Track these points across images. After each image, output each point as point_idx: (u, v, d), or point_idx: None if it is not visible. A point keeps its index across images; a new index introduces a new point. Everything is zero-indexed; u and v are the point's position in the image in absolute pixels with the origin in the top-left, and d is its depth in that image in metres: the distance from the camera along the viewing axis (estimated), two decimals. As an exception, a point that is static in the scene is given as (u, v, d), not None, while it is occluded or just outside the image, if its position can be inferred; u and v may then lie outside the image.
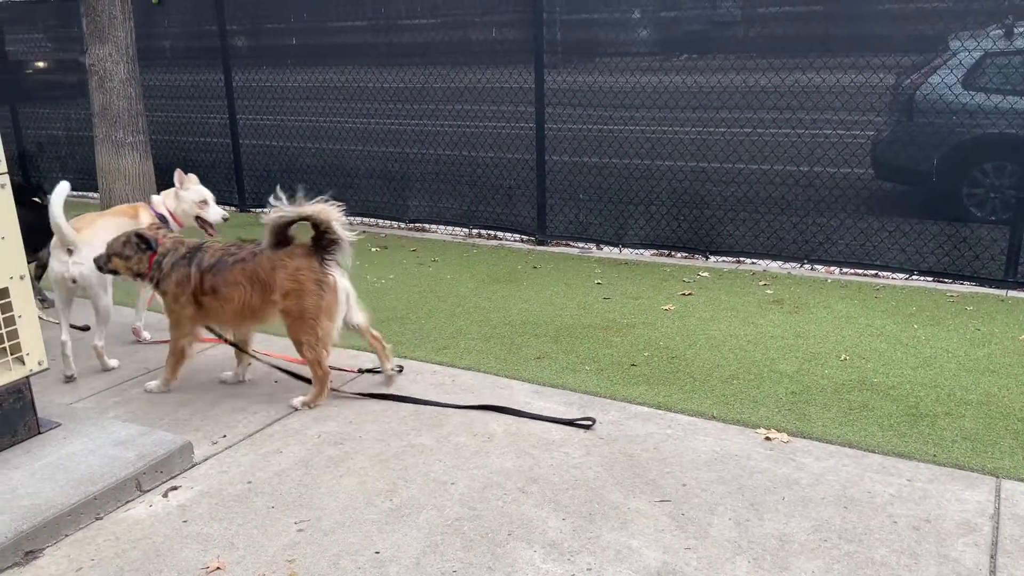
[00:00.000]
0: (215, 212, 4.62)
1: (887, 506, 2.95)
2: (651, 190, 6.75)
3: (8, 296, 3.15)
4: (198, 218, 4.62)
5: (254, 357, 4.14)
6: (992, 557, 2.65)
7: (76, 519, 2.88)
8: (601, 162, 6.90)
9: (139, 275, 3.91)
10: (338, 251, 3.73)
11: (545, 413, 3.74)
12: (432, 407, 3.82)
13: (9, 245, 3.15)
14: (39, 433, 3.31)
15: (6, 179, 3.12)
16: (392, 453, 3.41)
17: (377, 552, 2.76)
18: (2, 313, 3.15)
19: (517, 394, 3.97)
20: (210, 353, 4.54)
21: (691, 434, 3.53)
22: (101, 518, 2.96)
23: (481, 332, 4.85)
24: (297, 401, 3.85)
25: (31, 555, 2.73)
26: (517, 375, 4.18)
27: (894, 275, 5.94)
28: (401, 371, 4.25)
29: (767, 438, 3.47)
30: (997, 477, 3.13)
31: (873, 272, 6.01)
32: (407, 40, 7.78)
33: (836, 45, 5.99)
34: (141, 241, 3.87)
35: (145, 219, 4.44)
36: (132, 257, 3.87)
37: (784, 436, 3.47)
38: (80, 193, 9.90)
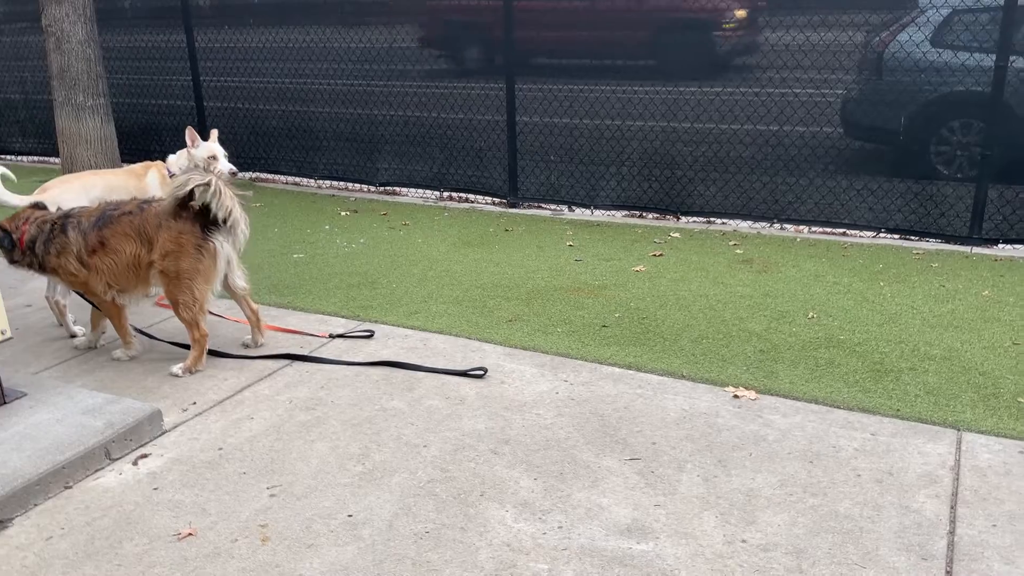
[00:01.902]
0: (224, 166, 4.57)
1: (851, 460, 3.01)
2: (622, 151, 6.73)
3: (-33, 265, 3.09)
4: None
5: (141, 332, 4.23)
6: (952, 508, 2.72)
7: (45, 488, 2.86)
8: (571, 123, 6.86)
9: (26, 265, 3.82)
10: (224, 230, 3.71)
11: (514, 376, 3.76)
12: (403, 370, 3.82)
13: (-34, 213, 3.07)
14: (4, 403, 3.27)
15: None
16: (364, 417, 3.42)
17: (350, 515, 2.77)
18: (-39, 282, 3.08)
19: (489, 356, 3.98)
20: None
21: (661, 393, 3.56)
22: (71, 487, 2.94)
23: (453, 296, 4.84)
24: (177, 368, 3.83)
25: (0, 525, 2.71)
26: (489, 338, 4.19)
27: (862, 233, 6.00)
28: (372, 335, 4.24)
29: (735, 396, 3.51)
30: (958, 430, 3.20)
31: (841, 231, 6.07)
32: (373, -1, 7.64)
33: (806, 2, 5.98)
34: (3, 234, 3.79)
35: (152, 179, 4.52)
36: (8, 251, 3.80)
37: (752, 393, 3.52)
38: (42, 158, 9.69)
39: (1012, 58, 5.35)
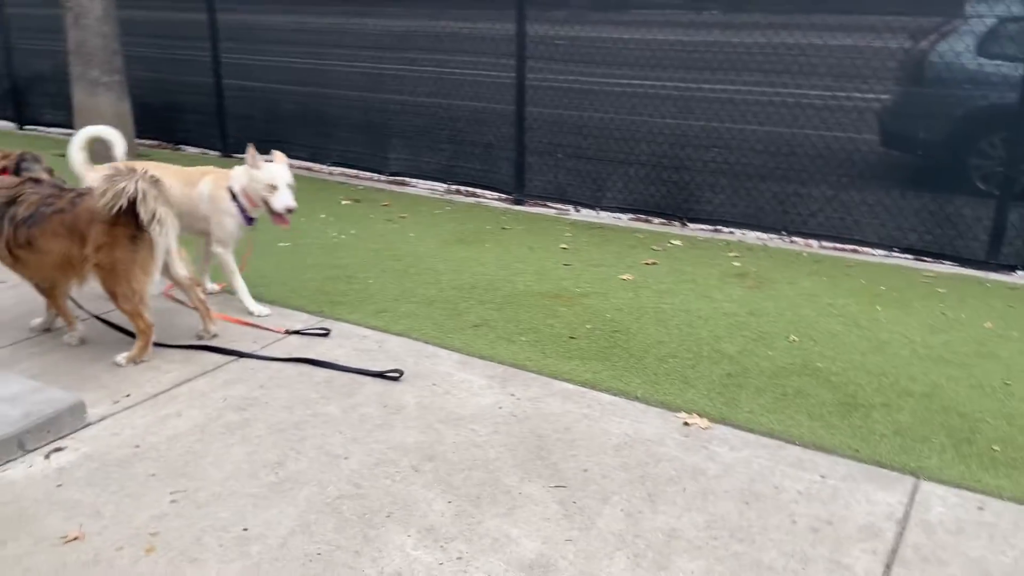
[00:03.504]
0: (281, 199, 4.03)
1: (791, 504, 2.79)
2: (631, 152, 6.50)
3: None
4: (266, 203, 4.12)
5: (79, 306, 4.15)
6: (887, 566, 2.49)
7: (-53, 478, 2.80)
8: (581, 119, 6.64)
9: None
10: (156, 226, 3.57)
11: (461, 386, 3.60)
12: (340, 371, 3.70)
13: None
14: (-71, 386, 3.23)
15: None
16: (293, 422, 3.30)
17: (245, 529, 2.65)
18: None
19: (442, 363, 3.83)
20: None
21: (609, 415, 3.37)
22: (-25, 478, 2.88)
23: (427, 295, 4.70)
24: (121, 358, 3.74)
25: None
26: (448, 344, 4.04)
27: (873, 251, 5.69)
28: (328, 334, 4.12)
29: (686, 423, 3.30)
30: (917, 477, 2.95)
31: (852, 247, 5.76)
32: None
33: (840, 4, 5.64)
34: None
35: (204, 190, 4.20)
36: None
37: (704, 422, 3.31)
38: (70, 131, 9.80)
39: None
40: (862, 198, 5.69)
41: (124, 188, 3.43)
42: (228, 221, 4.23)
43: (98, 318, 4.16)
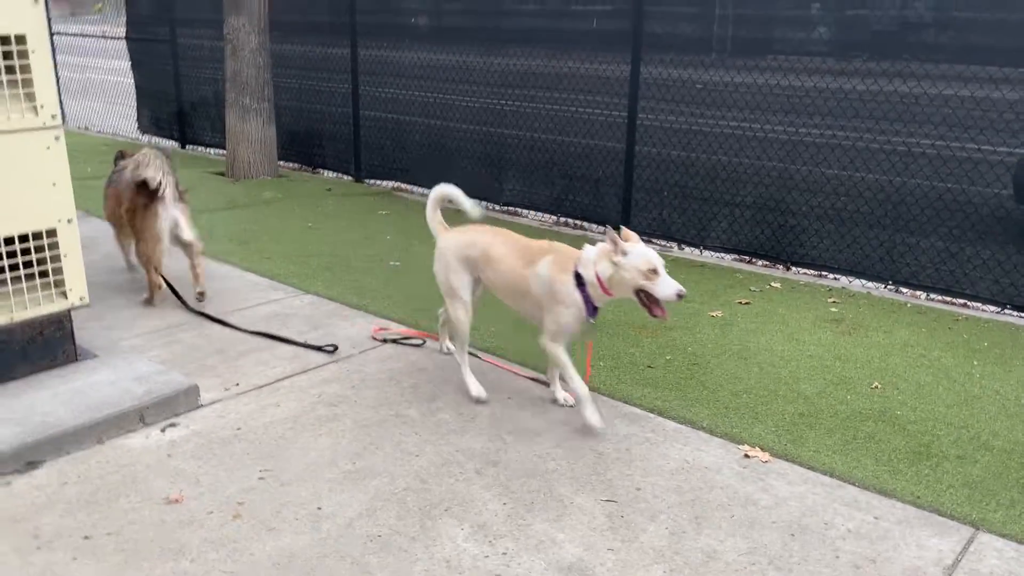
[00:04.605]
0: (667, 285, 3.28)
1: (838, 540, 2.83)
2: (736, 192, 6.55)
3: (56, 236, 3.57)
4: (640, 292, 3.35)
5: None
6: (924, 609, 2.50)
7: (79, 440, 3.25)
8: (688, 159, 6.75)
9: None
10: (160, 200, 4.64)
11: (537, 401, 3.80)
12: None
13: (60, 191, 3.55)
14: (76, 361, 3.73)
15: (61, 132, 3.53)
16: (377, 420, 3.59)
17: (319, 508, 2.94)
18: (50, 251, 3.56)
19: (521, 381, 4.05)
20: (263, 309, 4.90)
21: (670, 441, 3.49)
22: (103, 442, 3.32)
23: (518, 318, 4.92)
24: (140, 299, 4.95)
25: (31, 465, 3.11)
26: (530, 363, 4.25)
27: (984, 307, 5.50)
28: (423, 344, 4.42)
29: (746, 455, 3.37)
30: (977, 528, 2.91)
31: (962, 302, 5.59)
32: (512, 26, 7.87)
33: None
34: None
35: (542, 271, 3.51)
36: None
37: (766, 455, 3.37)
38: (219, 151, 10.72)
39: None
40: (975, 251, 5.53)
41: (140, 161, 4.59)
42: (566, 314, 3.46)
43: (206, 314, 4.64)
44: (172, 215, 4.67)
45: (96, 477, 3.09)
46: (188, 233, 4.77)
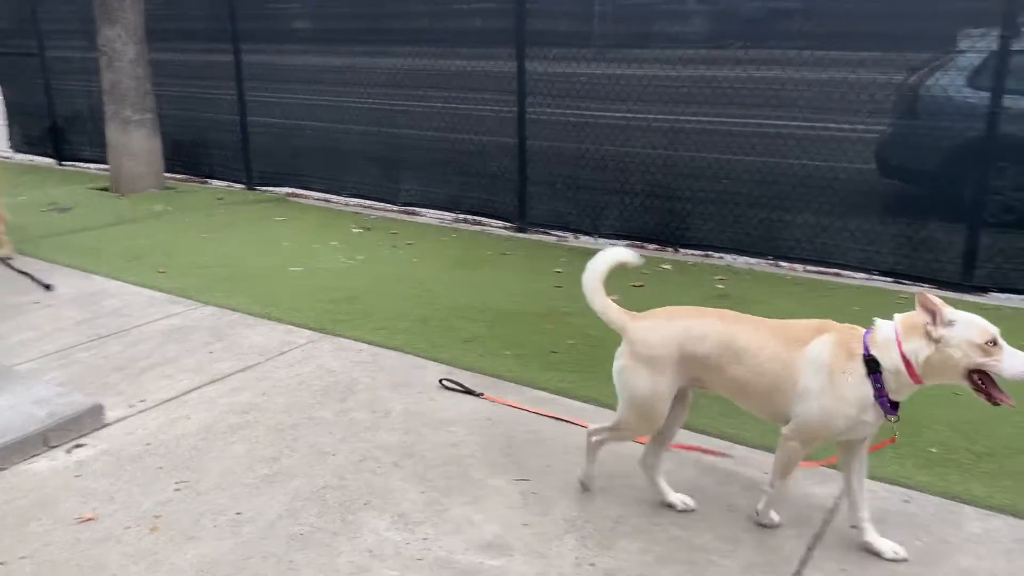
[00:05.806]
0: (1015, 361, 2.47)
1: (729, 498, 3.06)
2: (626, 180, 6.83)
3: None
4: (973, 373, 2.53)
5: None
6: (810, 549, 2.75)
7: (-20, 468, 3.17)
8: (579, 150, 6.99)
9: None
10: None
11: (446, 394, 3.92)
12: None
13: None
14: (-29, 390, 3.63)
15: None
16: (289, 424, 3.63)
17: (239, 513, 2.98)
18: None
19: (430, 374, 4.16)
20: (162, 323, 4.84)
21: (576, 419, 3.67)
22: (5, 468, 3.25)
23: (422, 314, 5.04)
24: None
25: (-69, 498, 3.03)
26: (436, 357, 4.36)
27: (855, 274, 5.94)
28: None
29: (647, 427, 3.58)
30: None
31: (835, 271, 6.02)
32: (399, 27, 7.93)
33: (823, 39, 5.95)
34: None
35: (816, 351, 2.66)
36: None
37: (664, 426, 3.58)
38: (107, 167, 10.35)
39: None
40: (843, 224, 5.96)
41: None
42: (841, 414, 2.61)
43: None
44: None
45: (2, 503, 3.03)
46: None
